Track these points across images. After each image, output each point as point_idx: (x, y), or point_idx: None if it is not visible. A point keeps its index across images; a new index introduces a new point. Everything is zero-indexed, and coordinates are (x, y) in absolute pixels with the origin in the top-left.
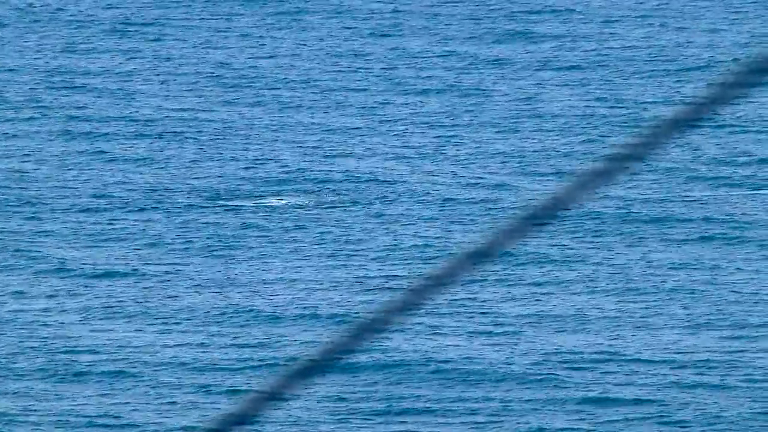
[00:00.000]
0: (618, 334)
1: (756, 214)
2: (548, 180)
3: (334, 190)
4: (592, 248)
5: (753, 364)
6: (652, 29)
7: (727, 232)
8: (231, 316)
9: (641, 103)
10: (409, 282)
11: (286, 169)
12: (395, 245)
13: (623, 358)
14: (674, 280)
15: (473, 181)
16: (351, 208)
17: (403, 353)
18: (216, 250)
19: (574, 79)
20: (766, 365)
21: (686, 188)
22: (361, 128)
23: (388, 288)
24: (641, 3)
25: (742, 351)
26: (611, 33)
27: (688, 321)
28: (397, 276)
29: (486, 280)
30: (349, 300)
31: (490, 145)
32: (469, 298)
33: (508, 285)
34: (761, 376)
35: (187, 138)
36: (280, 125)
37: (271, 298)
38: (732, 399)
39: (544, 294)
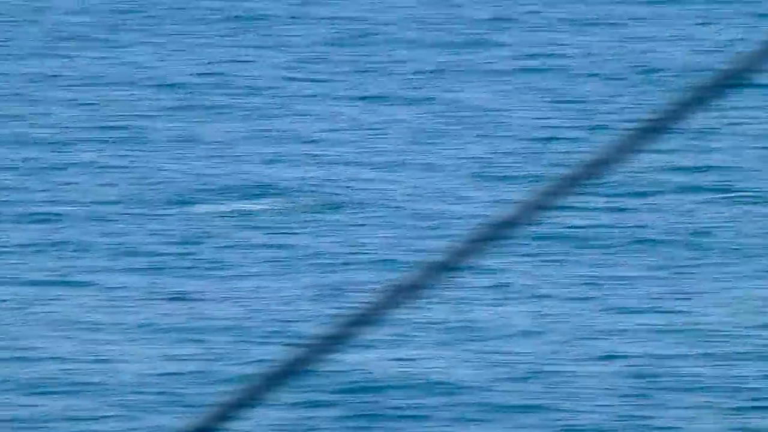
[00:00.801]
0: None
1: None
2: (511, 191)
3: (299, 198)
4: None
5: (677, 372)
6: (617, 36)
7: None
8: (193, 327)
9: (607, 111)
10: (373, 293)
11: (252, 176)
12: (358, 255)
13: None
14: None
15: (437, 191)
16: (316, 217)
17: (363, 366)
18: (177, 258)
19: (537, 87)
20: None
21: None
22: (327, 136)
23: (351, 299)
24: (606, 9)
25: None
26: (575, 39)
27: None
28: (361, 287)
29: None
30: (311, 311)
31: (456, 155)
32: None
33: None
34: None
35: (150, 144)
36: (246, 133)
37: (234, 308)
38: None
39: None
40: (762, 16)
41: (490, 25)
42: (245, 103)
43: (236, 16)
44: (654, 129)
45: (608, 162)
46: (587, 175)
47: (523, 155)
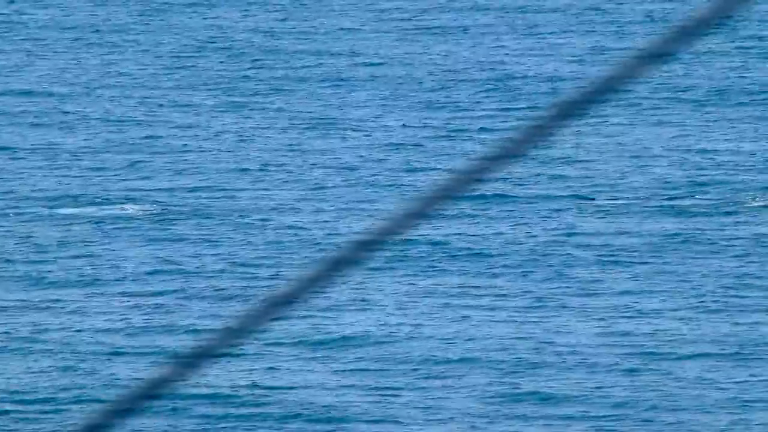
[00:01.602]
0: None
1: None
2: (378, 200)
3: (169, 207)
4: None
5: (537, 384)
6: (482, 45)
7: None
8: (62, 340)
9: (471, 120)
10: (240, 306)
11: (120, 185)
12: (229, 266)
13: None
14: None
15: (304, 201)
16: (185, 226)
17: (222, 378)
18: (48, 267)
19: (401, 95)
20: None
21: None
22: (193, 145)
23: (220, 311)
24: (470, 18)
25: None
26: (445, 50)
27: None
28: (229, 298)
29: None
30: (181, 322)
31: (323, 164)
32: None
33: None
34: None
35: (8, 152)
36: (109, 141)
37: (104, 320)
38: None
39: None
40: (628, 23)
41: (354, 34)
42: (108, 111)
43: (90, 26)
44: (520, 138)
45: (474, 171)
46: (454, 185)
47: (389, 163)
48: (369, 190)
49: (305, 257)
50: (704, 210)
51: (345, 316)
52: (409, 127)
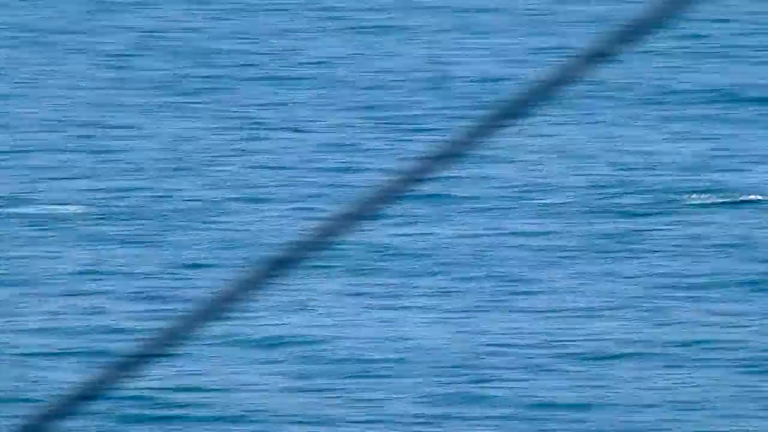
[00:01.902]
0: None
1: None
2: (316, 203)
3: (112, 207)
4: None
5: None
6: (424, 44)
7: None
8: None
9: (409, 122)
10: (181, 307)
11: (68, 181)
12: (169, 268)
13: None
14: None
15: (244, 204)
16: (124, 224)
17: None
18: None
19: (336, 95)
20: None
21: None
22: (134, 145)
23: (160, 313)
24: (413, 17)
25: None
26: (385, 49)
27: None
28: (169, 300)
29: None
30: (120, 325)
31: (263, 164)
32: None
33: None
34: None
35: None
36: (56, 141)
37: (42, 321)
38: None
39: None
40: (568, 24)
41: (295, 34)
42: (46, 110)
43: (27, 25)
44: (459, 139)
45: (413, 171)
46: (393, 186)
47: (328, 164)
48: (308, 190)
49: (244, 258)
50: (640, 210)
51: (282, 317)
52: (349, 127)
